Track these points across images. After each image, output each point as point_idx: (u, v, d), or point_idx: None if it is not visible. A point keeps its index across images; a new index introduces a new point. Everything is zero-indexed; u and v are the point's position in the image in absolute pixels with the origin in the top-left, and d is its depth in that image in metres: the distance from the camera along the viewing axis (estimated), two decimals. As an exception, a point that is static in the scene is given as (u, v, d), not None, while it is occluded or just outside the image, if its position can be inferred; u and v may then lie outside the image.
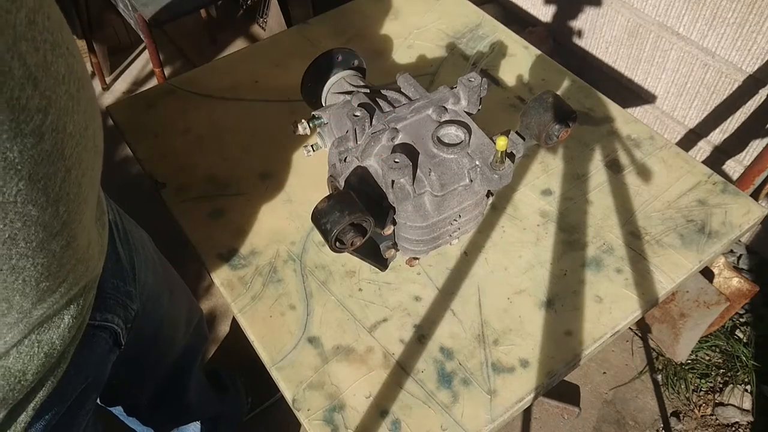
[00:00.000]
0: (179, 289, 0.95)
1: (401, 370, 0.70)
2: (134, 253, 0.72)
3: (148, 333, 0.83)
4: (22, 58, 0.35)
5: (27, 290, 0.43)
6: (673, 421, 1.44)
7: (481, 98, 0.73)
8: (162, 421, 1.10)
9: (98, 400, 0.79)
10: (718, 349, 1.53)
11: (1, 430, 0.49)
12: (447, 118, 0.71)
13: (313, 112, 0.77)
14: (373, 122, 0.70)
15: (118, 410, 0.97)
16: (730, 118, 1.50)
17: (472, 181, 0.68)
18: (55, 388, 0.53)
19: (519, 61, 1.03)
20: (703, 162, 1.20)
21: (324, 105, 0.83)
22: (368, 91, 0.76)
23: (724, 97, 1.49)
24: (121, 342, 0.66)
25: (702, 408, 1.46)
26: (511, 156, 0.68)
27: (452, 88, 0.73)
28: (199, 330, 1.07)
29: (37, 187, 0.39)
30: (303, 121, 0.76)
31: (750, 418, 1.43)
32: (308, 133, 0.77)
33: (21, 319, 0.44)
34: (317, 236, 0.80)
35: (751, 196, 1.04)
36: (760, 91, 1.40)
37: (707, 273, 1.40)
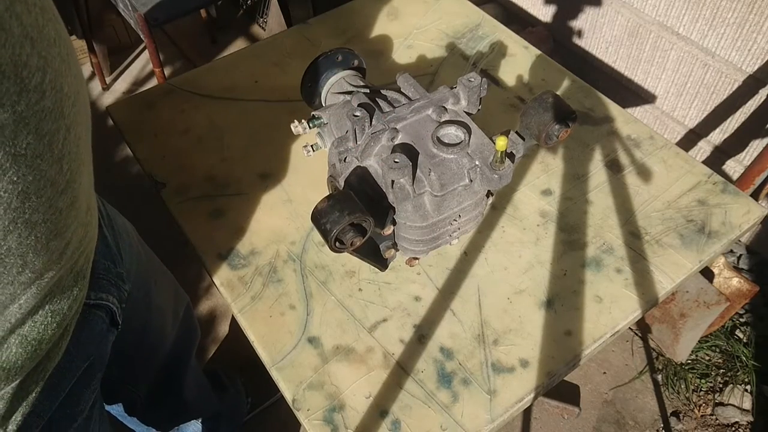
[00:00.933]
0: (164, 278, 0.96)
1: (401, 370, 0.70)
2: (119, 238, 0.74)
3: (137, 324, 0.84)
4: (19, 18, 0.38)
5: (39, 247, 0.45)
6: (673, 421, 1.44)
7: (481, 98, 0.73)
8: (161, 419, 1.10)
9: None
10: (718, 349, 1.53)
11: (15, 399, 0.52)
12: (447, 118, 0.71)
13: (312, 112, 0.77)
14: (373, 122, 0.70)
15: (118, 410, 0.97)
16: (730, 118, 1.50)
17: (471, 181, 0.68)
18: (59, 362, 0.56)
19: (519, 61, 1.03)
20: (703, 162, 1.20)
21: (324, 105, 0.83)
22: (368, 91, 0.76)
23: (724, 97, 1.49)
24: (118, 321, 0.67)
25: (702, 408, 1.46)
26: (510, 156, 0.68)
27: (452, 88, 0.73)
28: (188, 321, 1.07)
29: (44, 142, 0.42)
30: (303, 120, 0.76)
31: (750, 418, 1.43)
32: (304, 133, 0.77)
33: (34, 279, 0.47)
34: (317, 236, 0.80)
35: (751, 196, 1.04)
36: (760, 91, 1.40)
37: (707, 273, 1.40)
